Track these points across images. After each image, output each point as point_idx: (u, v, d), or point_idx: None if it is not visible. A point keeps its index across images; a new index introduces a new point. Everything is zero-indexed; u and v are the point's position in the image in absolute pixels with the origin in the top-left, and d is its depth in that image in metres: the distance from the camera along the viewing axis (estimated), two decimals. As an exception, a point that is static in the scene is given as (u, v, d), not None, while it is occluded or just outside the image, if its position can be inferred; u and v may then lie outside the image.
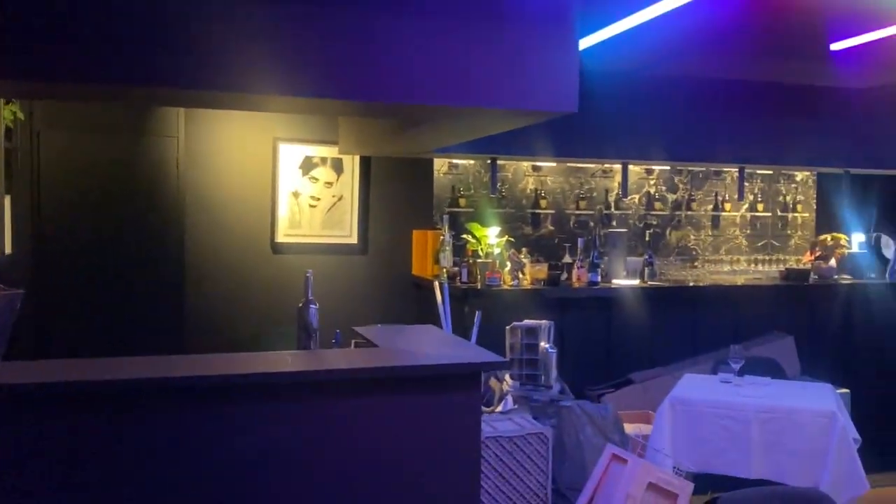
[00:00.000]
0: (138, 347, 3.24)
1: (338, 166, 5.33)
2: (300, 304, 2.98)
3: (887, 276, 5.91)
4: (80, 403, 2.39)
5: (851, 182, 6.86)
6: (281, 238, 5.19)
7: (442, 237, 5.08)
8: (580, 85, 3.11)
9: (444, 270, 4.93)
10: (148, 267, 4.90)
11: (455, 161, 5.99)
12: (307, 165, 5.26)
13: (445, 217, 5.37)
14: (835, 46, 3.92)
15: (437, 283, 4.38)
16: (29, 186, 4.64)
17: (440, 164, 5.93)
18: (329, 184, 5.31)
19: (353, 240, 5.36)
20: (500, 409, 4.00)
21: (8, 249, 4.12)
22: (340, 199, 5.34)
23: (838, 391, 4.35)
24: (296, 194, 5.23)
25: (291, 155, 5.21)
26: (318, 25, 2.91)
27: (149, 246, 4.91)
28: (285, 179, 5.19)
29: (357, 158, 5.37)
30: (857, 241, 6.26)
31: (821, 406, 3.53)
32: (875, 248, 6.09)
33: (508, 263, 5.02)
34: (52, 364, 2.65)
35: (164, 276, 4.93)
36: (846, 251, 5.97)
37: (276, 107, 3.97)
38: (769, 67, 5.05)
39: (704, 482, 3.79)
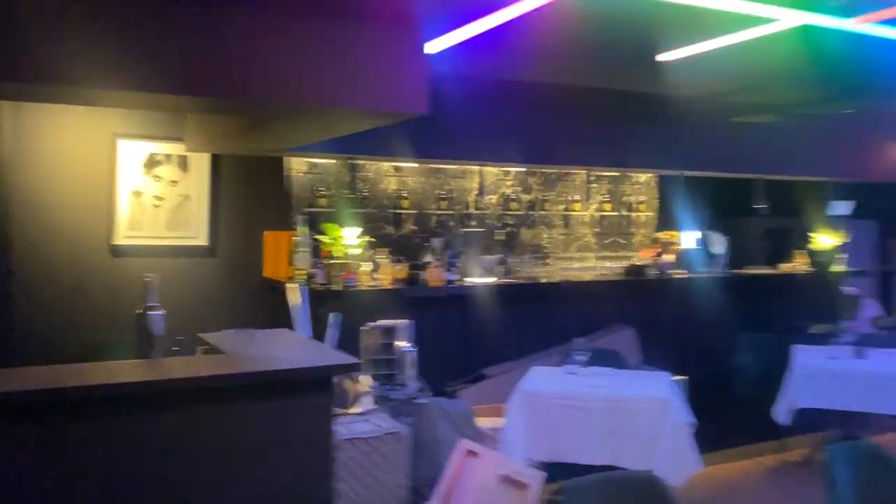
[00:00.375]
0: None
1: (184, 164, 5.09)
2: (140, 311, 2.83)
3: (716, 270, 6.41)
4: None
5: (686, 184, 7.40)
6: (120, 240, 4.88)
7: (297, 238, 4.98)
8: (437, 88, 3.16)
9: (301, 272, 4.84)
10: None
11: (315, 160, 5.90)
12: (150, 163, 4.98)
13: (302, 217, 5.27)
14: (660, 58, 4.20)
15: (292, 286, 4.30)
16: None
17: (300, 164, 5.82)
18: (174, 182, 5.05)
19: (202, 241, 5.13)
20: (357, 410, 3.99)
21: None
22: (187, 198, 5.10)
23: (676, 378, 4.68)
24: (137, 193, 4.93)
25: (133, 152, 4.92)
26: (161, 18, 2.78)
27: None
28: (125, 177, 4.88)
29: (205, 156, 5.15)
30: (691, 238, 6.76)
31: (656, 393, 3.77)
32: (706, 244, 6.60)
33: (368, 264, 5.01)
34: None
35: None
36: (681, 247, 6.43)
37: (115, 102, 3.75)
38: (610, 75, 5.34)
39: (555, 471, 3.95)
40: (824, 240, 6.74)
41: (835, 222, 7.29)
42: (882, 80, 4.97)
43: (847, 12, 3.37)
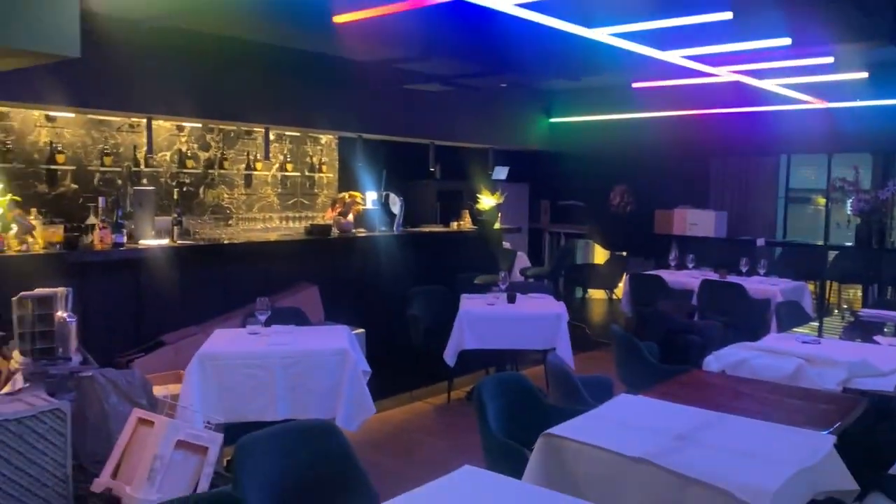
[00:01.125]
0: None
1: None
2: None
3: (394, 228, 6.81)
4: None
5: (365, 146, 7.71)
6: None
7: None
8: (97, 30, 2.85)
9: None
10: None
11: (-63, 105, 5.01)
12: None
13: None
14: (338, 19, 4.29)
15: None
16: None
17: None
18: None
19: None
20: (6, 389, 3.55)
21: None
22: None
23: (355, 331, 4.89)
24: None
25: None
26: None
27: None
28: None
29: None
30: (371, 198, 7.08)
31: (335, 345, 3.92)
32: (385, 204, 6.97)
33: (14, 226, 4.40)
34: None
35: None
36: (362, 207, 6.70)
37: None
38: (288, 33, 5.31)
39: (238, 432, 3.92)
40: (487, 201, 7.52)
41: (495, 185, 8.18)
42: (525, 58, 5.66)
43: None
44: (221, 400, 3.71)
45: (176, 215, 5.35)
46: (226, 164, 7.12)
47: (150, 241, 5.06)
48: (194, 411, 3.57)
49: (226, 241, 5.85)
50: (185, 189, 6.75)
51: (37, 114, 5.80)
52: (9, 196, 4.43)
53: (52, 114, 5.86)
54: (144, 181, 6.37)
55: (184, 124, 6.72)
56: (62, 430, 3.39)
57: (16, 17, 2.68)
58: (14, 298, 3.89)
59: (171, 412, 3.73)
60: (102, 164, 6.19)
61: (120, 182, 6.28)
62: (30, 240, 4.42)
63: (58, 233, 4.53)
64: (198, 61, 5.88)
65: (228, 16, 4.66)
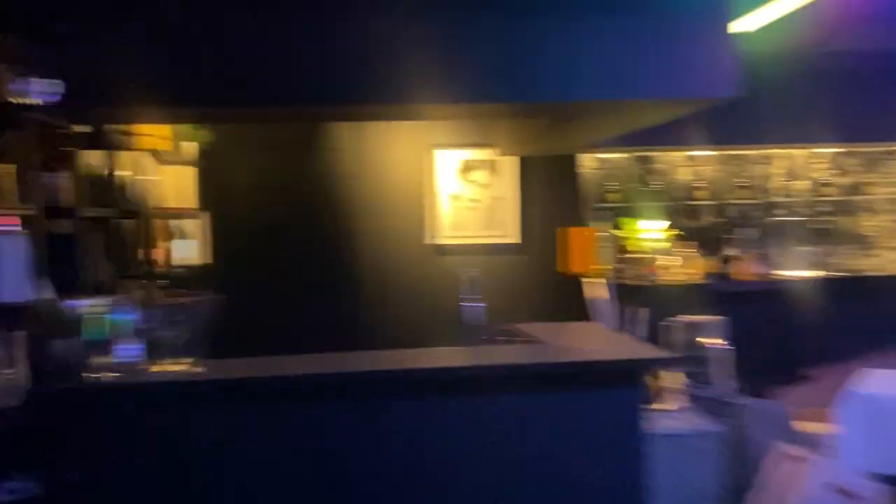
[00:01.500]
0: (313, 347, 3.41)
1: (494, 168, 5.45)
2: (463, 303, 3.09)
3: None
4: (272, 396, 2.65)
5: None
6: (444, 240, 5.37)
7: (600, 233, 5.04)
8: (744, 68, 3.00)
9: (604, 268, 4.88)
10: (320, 273, 5.22)
11: (603, 156, 5.93)
12: (465, 169, 5.43)
13: (600, 213, 5.32)
14: None
15: (590, 280, 4.37)
16: (215, 203, 5.08)
17: (589, 160, 5.88)
18: (486, 185, 5.44)
19: (515, 239, 5.44)
20: (668, 406, 3.93)
21: (209, 260, 4.80)
22: (500, 199, 5.45)
23: None
24: (455, 197, 5.40)
25: (448, 160, 5.40)
26: (471, 32, 3.03)
27: (319, 253, 5.23)
28: (444, 183, 5.39)
29: (514, 159, 5.46)
30: None
31: None
32: None
33: (672, 258, 4.89)
34: (248, 362, 2.94)
35: (336, 281, 5.21)
36: None
37: (435, 114, 4.14)
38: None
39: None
40: None
41: None
42: None
43: None
44: (880, 448, 3.37)
45: (818, 246, 5.16)
46: (867, 188, 6.54)
47: (791, 272, 5.00)
48: (852, 456, 3.33)
49: (870, 274, 5.37)
50: (822, 218, 6.45)
51: (679, 155, 6.34)
52: (673, 231, 4.96)
53: (693, 154, 6.34)
54: (781, 212, 6.33)
55: (819, 151, 6.45)
56: (713, 451, 3.59)
57: (679, 70, 3.00)
58: (667, 323, 4.31)
59: (821, 452, 3.58)
60: (738, 197, 6.39)
61: (755, 214, 6.38)
62: (682, 270, 4.84)
63: (707, 263, 4.86)
64: (829, 83, 5.60)
65: (881, 26, 4.30)
